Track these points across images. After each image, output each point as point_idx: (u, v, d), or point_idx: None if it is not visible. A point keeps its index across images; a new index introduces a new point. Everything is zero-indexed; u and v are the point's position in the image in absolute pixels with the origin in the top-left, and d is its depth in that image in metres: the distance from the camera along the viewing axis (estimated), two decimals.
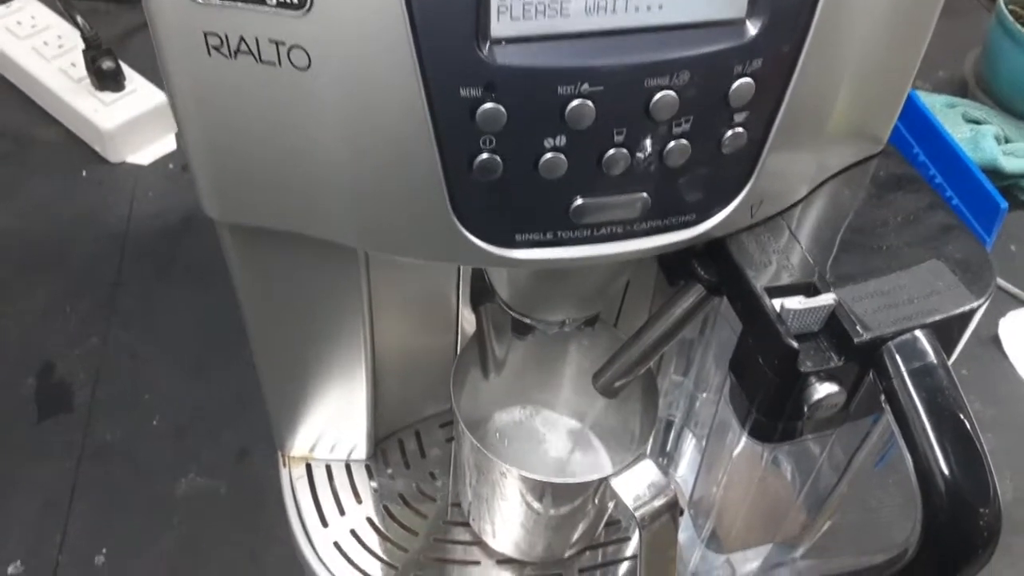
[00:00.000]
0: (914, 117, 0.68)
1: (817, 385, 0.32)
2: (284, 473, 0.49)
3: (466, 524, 0.48)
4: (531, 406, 0.51)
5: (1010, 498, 0.60)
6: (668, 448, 0.51)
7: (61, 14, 0.77)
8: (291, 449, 0.50)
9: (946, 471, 0.30)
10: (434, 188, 0.29)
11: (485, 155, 0.28)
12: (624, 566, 0.48)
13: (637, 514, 0.38)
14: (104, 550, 0.52)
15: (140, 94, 0.74)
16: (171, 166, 0.77)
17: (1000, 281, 0.72)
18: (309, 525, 0.47)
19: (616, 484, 0.39)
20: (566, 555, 0.48)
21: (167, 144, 0.76)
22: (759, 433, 0.35)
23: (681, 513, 0.44)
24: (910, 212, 0.36)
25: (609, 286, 0.40)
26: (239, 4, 0.25)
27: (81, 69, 0.73)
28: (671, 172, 0.30)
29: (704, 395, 0.46)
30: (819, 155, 0.34)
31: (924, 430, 0.31)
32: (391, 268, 0.40)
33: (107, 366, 0.62)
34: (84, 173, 0.75)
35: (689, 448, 0.49)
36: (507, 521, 0.45)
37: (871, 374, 0.32)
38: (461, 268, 0.44)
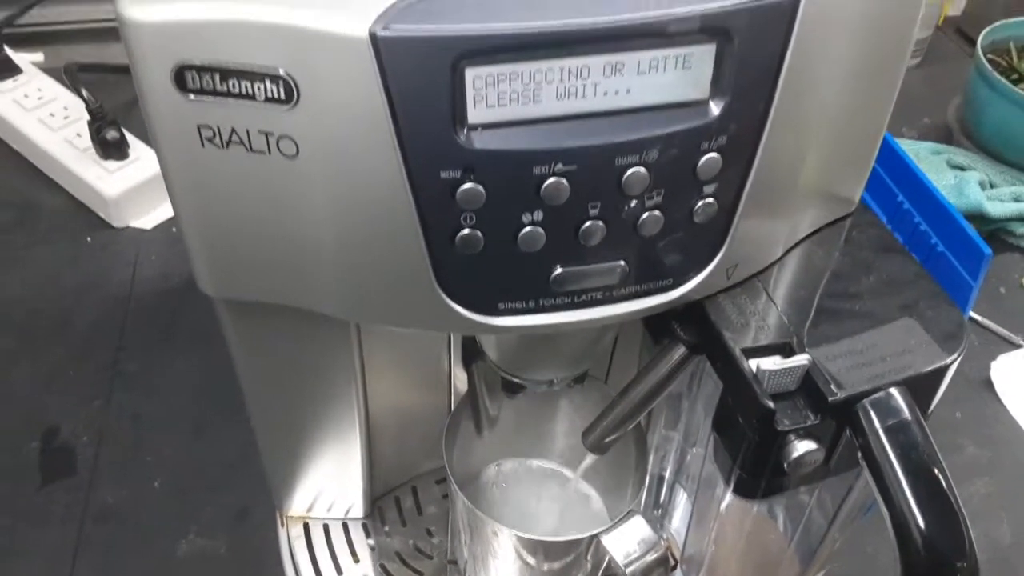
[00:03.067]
0: (897, 166, 0.69)
1: (796, 443, 0.33)
2: (282, 533, 0.50)
3: None
4: (524, 460, 0.52)
5: (1008, 542, 0.60)
6: (661, 501, 0.52)
7: (67, 86, 0.79)
8: (289, 509, 0.50)
9: (923, 526, 0.31)
10: (419, 262, 0.30)
11: (466, 231, 0.29)
12: None
13: (628, 571, 0.39)
14: None
15: (143, 161, 0.76)
16: (173, 230, 0.79)
17: (990, 324, 0.73)
18: None
19: (607, 541, 0.39)
20: None
21: (169, 209, 0.78)
22: (743, 490, 0.36)
23: (674, 567, 0.45)
24: (883, 271, 0.37)
25: (594, 347, 0.41)
26: (230, 100, 0.26)
27: (86, 139, 0.75)
28: (646, 241, 0.32)
29: (694, 449, 0.47)
30: (790, 219, 0.35)
31: (900, 486, 0.31)
32: (382, 334, 0.42)
33: (109, 429, 0.63)
34: (89, 239, 0.77)
35: (681, 502, 0.50)
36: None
37: (847, 431, 0.33)
38: (451, 338, 0.46)
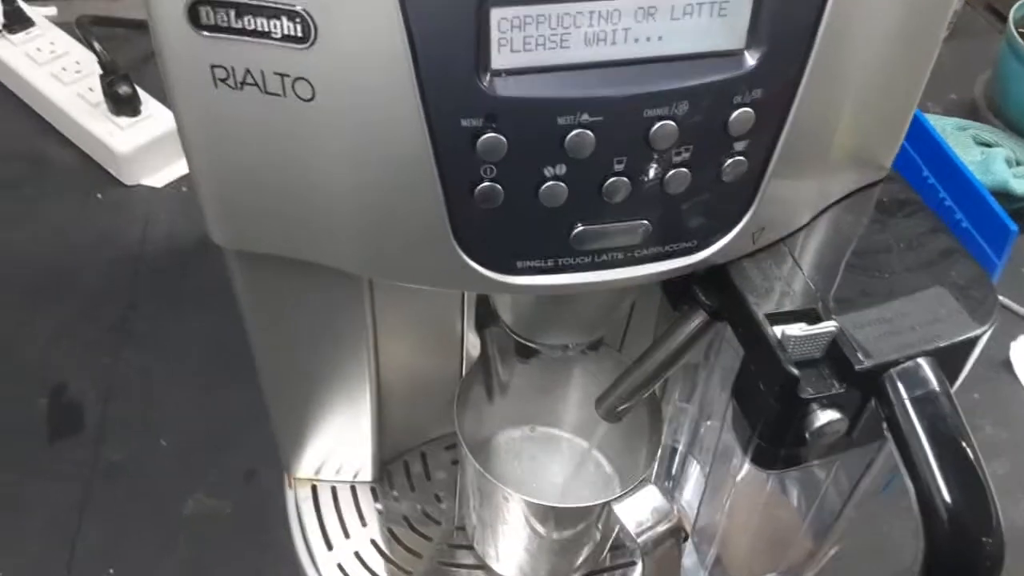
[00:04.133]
0: (923, 140, 0.68)
1: (819, 412, 0.32)
2: (289, 495, 0.50)
3: (471, 547, 0.48)
4: (536, 427, 0.51)
5: None
6: (673, 473, 0.51)
7: (79, 40, 0.78)
8: (297, 471, 0.50)
9: (948, 500, 0.30)
10: (436, 216, 0.29)
11: (486, 184, 0.28)
12: None
13: (640, 540, 0.38)
14: (111, 570, 0.52)
15: (156, 118, 0.75)
16: (184, 188, 0.78)
17: (1011, 304, 0.72)
18: (314, 547, 0.47)
19: (619, 509, 0.39)
20: None
21: (181, 167, 0.77)
22: (761, 460, 0.35)
23: (685, 539, 0.44)
24: (913, 238, 0.36)
25: (612, 312, 0.40)
26: (245, 38, 0.25)
27: (98, 94, 0.74)
28: (672, 199, 0.30)
29: (709, 422, 0.46)
30: (821, 182, 0.34)
31: (926, 458, 0.30)
32: (395, 293, 0.41)
33: (118, 386, 0.62)
34: (99, 196, 0.76)
35: (694, 474, 0.49)
36: (511, 544, 0.45)
37: (873, 401, 0.32)
38: (465, 293, 0.45)
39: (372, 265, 0.32)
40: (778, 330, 0.32)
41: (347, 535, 0.48)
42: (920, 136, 0.66)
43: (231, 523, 0.54)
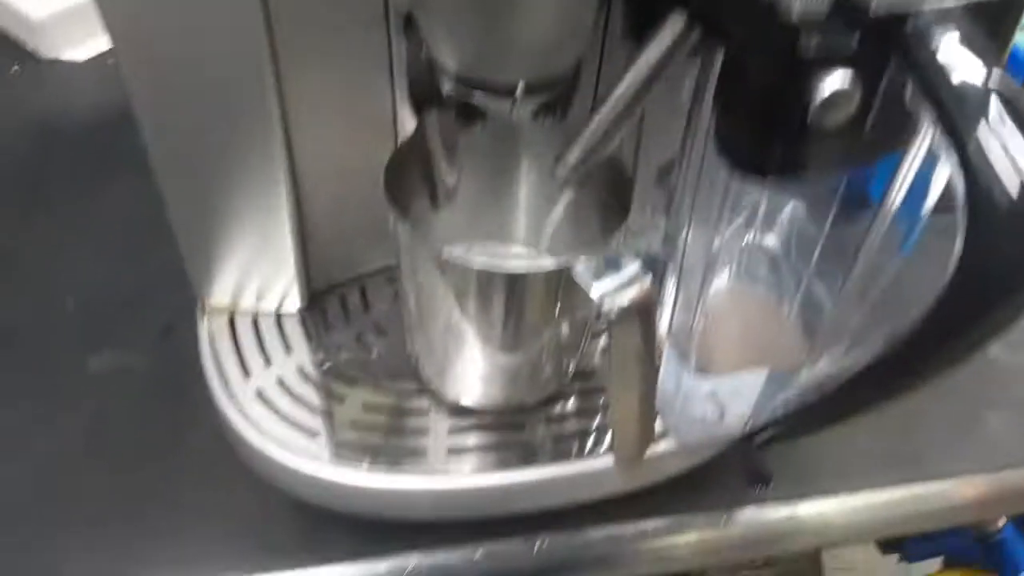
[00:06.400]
0: None
1: (825, 79, 0.26)
2: (203, 325, 0.42)
3: (416, 376, 0.41)
4: (487, 241, 0.44)
5: None
6: None
7: None
8: (211, 297, 0.43)
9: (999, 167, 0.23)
10: None
11: None
12: (598, 418, 0.40)
13: (603, 304, 0.31)
14: None
15: None
16: (110, 62, 0.71)
17: None
18: (229, 374, 0.40)
19: (579, 272, 0.32)
20: (529, 402, 0.40)
21: (105, 42, 0.70)
22: (752, 163, 0.28)
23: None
24: None
25: (570, 35, 0.33)
26: None
27: None
28: None
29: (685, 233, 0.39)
30: None
31: (965, 114, 0.24)
32: (306, 62, 0.34)
33: (20, 250, 0.55)
34: (15, 68, 0.69)
35: (669, 287, 0.42)
36: (457, 357, 0.38)
37: (892, 63, 0.26)
38: (394, 59, 0.38)
39: None
40: None
41: (268, 363, 0.41)
42: None
43: (142, 376, 0.47)
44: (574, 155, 0.34)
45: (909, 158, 0.30)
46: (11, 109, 0.66)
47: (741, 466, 0.43)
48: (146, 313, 0.51)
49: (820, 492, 0.45)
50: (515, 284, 0.34)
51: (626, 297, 0.31)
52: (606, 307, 0.31)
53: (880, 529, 0.46)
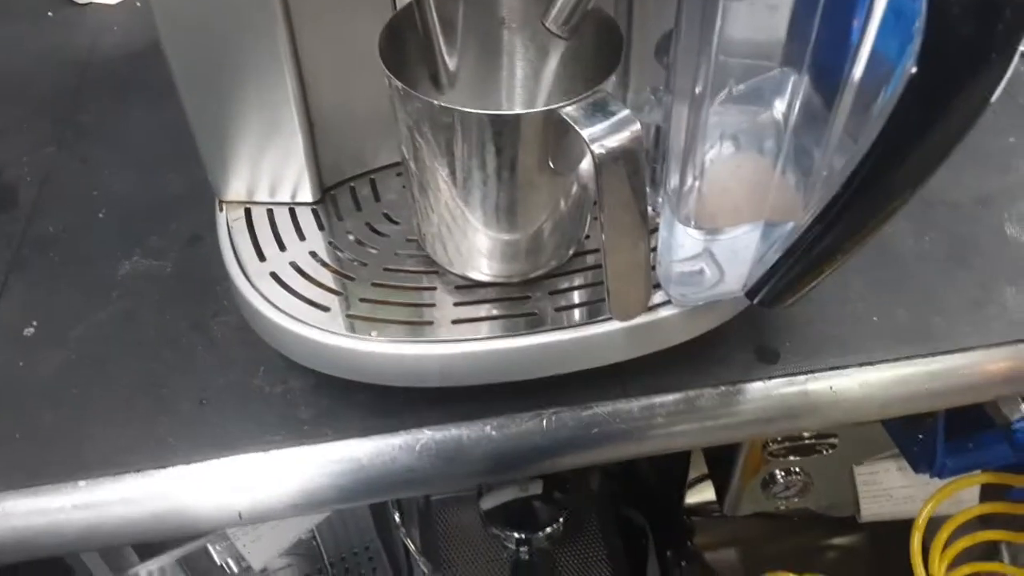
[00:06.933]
0: None
1: None
2: (220, 217, 0.44)
3: (425, 256, 0.42)
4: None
5: None
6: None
7: None
8: (228, 193, 0.44)
9: None
10: None
11: None
12: (603, 290, 0.41)
13: (593, 145, 0.32)
14: (34, 323, 0.47)
15: None
16: (139, 3, 0.74)
17: None
18: (245, 260, 0.42)
19: (570, 111, 0.32)
20: (532, 274, 0.41)
21: None
22: None
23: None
24: None
25: None
26: None
27: None
28: None
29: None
30: None
31: None
32: None
33: (57, 170, 0.58)
34: (50, 14, 0.72)
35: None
36: (457, 223, 0.39)
37: None
38: None
39: None
40: None
41: (283, 248, 0.43)
42: None
43: (172, 280, 0.49)
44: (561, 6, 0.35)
45: None
46: (47, 48, 0.69)
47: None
48: (174, 225, 0.53)
49: (831, 367, 0.45)
50: (506, 128, 0.34)
51: (616, 140, 0.32)
52: (596, 149, 0.32)
53: (893, 405, 0.46)
